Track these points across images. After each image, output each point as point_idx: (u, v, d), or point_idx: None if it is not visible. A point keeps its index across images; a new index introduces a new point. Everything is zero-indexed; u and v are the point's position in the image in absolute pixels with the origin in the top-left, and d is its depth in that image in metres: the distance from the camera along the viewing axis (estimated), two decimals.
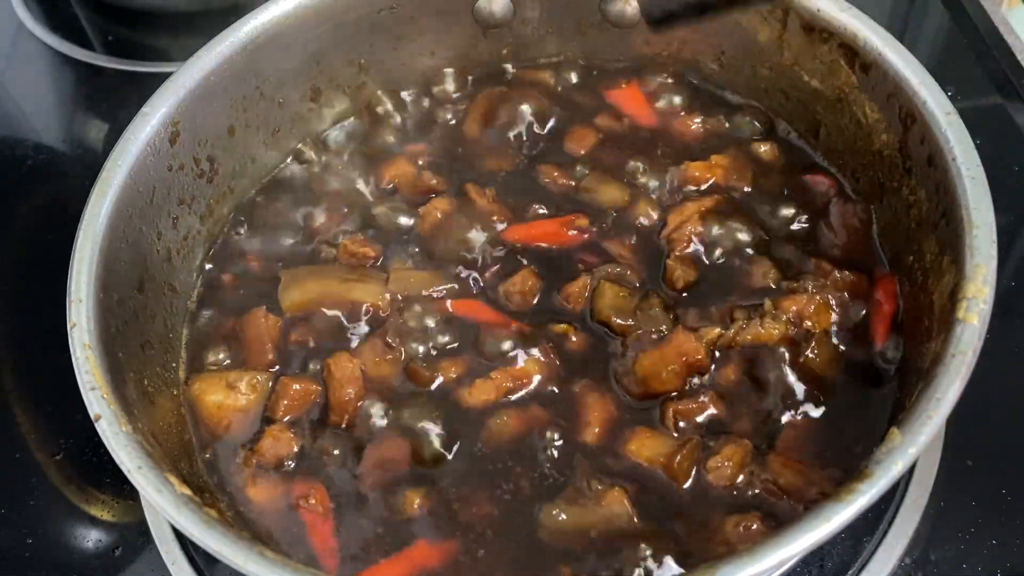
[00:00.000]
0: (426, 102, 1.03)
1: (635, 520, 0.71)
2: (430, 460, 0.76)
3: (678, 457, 0.73)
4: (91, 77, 1.28)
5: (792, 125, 0.96)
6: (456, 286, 0.86)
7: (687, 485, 0.73)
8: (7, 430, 0.95)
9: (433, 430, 0.77)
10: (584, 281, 0.84)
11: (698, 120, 0.97)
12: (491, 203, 0.91)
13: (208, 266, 0.92)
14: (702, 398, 0.77)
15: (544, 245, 0.88)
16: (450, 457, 0.76)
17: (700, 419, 0.76)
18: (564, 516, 0.71)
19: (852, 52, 0.84)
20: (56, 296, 0.72)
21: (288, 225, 0.94)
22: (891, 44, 0.81)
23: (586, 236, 0.88)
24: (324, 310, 0.85)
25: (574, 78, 1.03)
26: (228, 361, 0.85)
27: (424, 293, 0.85)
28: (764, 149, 0.94)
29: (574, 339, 0.81)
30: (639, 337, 0.80)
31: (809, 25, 0.87)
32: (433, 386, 0.80)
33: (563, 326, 0.82)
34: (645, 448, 0.74)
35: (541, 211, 0.91)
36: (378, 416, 0.79)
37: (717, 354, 0.79)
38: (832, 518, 0.57)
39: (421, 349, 0.82)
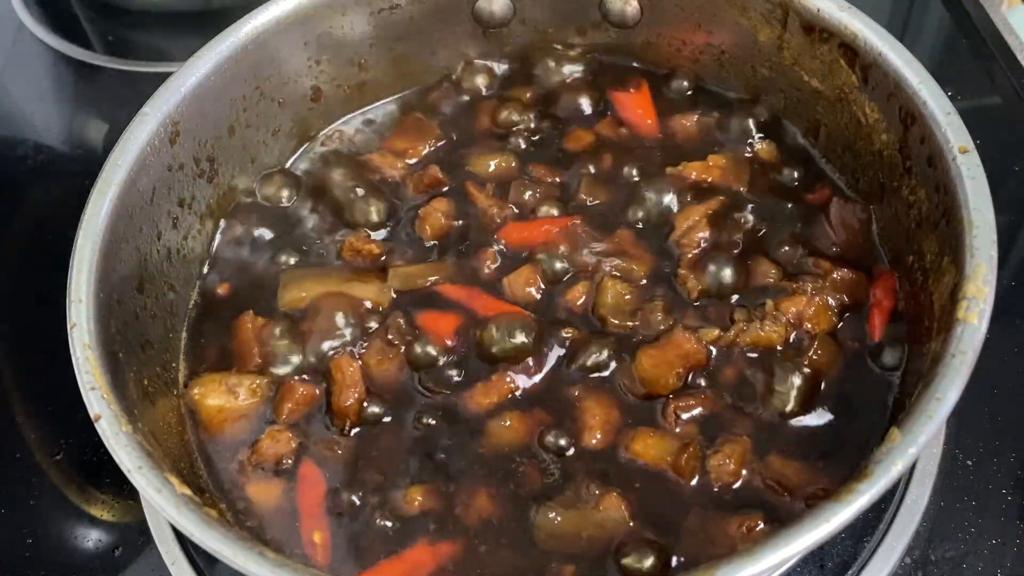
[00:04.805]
0: (426, 102, 1.03)
1: (631, 523, 0.71)
2: (431, 458, 0.76)
3: (685, 455, 0.73)
4: (91, 77, 1.28)
5: (792, 125, 0.96)
6: (458, 281, 0.86)
7: (691, 484, 0.73)
8: (7, 430, 0.95)
9: (435, 430, 0.78)
10: (586, 284, 0.84)
11: (696, 120, 0.97)
12: (490, 199, 0.91)
13: (208, 266, 0.92)
14: (703, 397, 0.77)
15: (543, 244, 0.88)
16: (451, 458, 0.76)
17: (701, 418, 0.76)
18: (560, 519, 0.71)
19: (852, 52, 0.84)
20: (56, 296, 0.72)
21: (289, 225, 0.93)
22: (891, 44, 0.81)
23: (585, 236, 0.88)
24: (325, 310, 0.85)
25: (573, 78, 1.03)
26: (226, 363, 0.84)
27: (425, 288, 0.85)
28: (761, 148, 0.94)
29: (576, 340, 0.81)
30: (638, 337, 0.80)
31: (809, 25, 0.87)
32: (445, 395, 0.80)
33: (565, 327, 0.82)
34: (650, 448, 0.74)
35: (540, 211, 0.90)
36: (379, 417, 0.79)
37: (714, 351, 0.79)
38: (832, 518, 0.57)
39: (426, 348, 0.81)
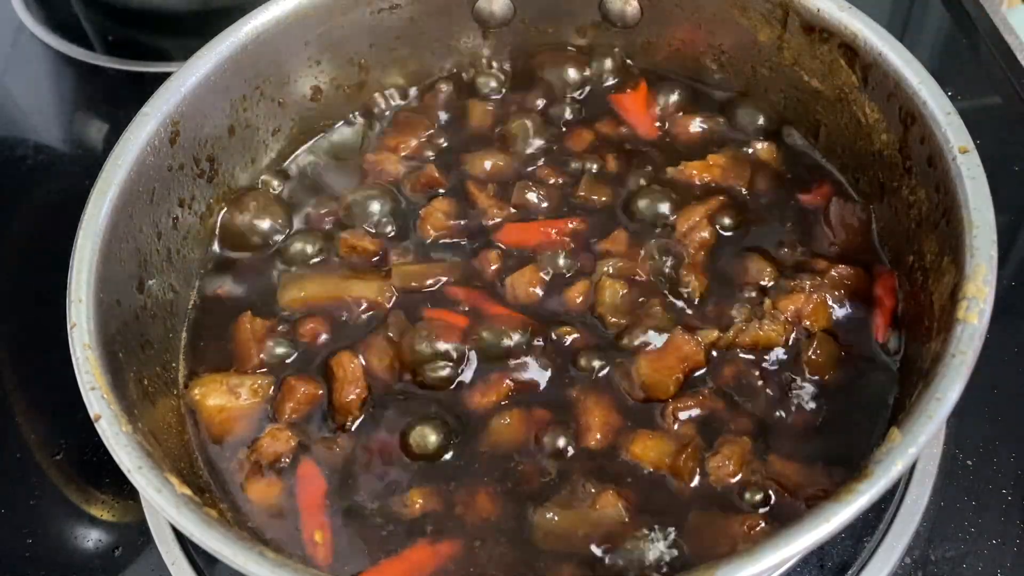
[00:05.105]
0: (426, 102, 1.03)
1: (627, 521, 0.71)
2: (430, 456, 0.76)
3: (683, 456, 0.73)
4: (91, 77, 1.28)
5: (792, 125, 0.96)
6: (459, 281, 0.86)
7: (691, 485, 0.73)
8: (7, 430, 0.95)
9: (435, 429, 0.78)
10: (585, 284, 0.84)
11: (697, 120, 0.97)
12: (490, 199, 0.91)
13: (208, 266, 0.92)
14: (701, 398, 0.77)
15: (543, 244, 0.88)
16: (450, 455, 0.76)
17: (700, 419, 0.76)
18: (557, 518, 0.71)
19: (852, 52, 0.84)
20: (56, 296, 0.72)
21: (288, 225, 0.93)
22: (891, 44, 0.81)
23: (584, 235, 0.88)
24: (325, 309, 0.85)
25: (573, 77, 1.03)
26: (226, 363, 0.84)
27: (427, 287, 0.86)
28: (762, 148, 0.94)
29: (576, 341, 0.81)
30: (637, 338, 0.80)
31: (809, 25, 0.87)
32: (446, 390, 0.80)
33: (565, 328, 0.82)
34: (649, 450, 0.74)
35: (539, 209, 0.91)
36: (380, 415, 0.79)
37: (715, 354, 0.79)
38: (832, 518, 0.57)
39: (427, 346, 0.81)
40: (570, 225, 0.89)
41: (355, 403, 0.79)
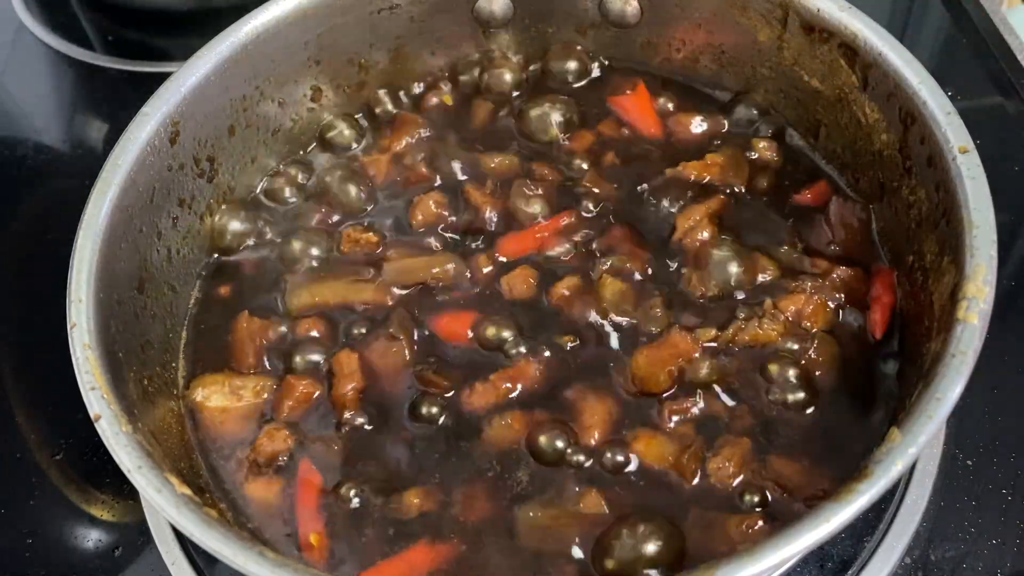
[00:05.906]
0: (425, 101, 1.03)
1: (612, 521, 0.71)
2: (430, 457, 0.76)
3: (686, 456, 0.73)
4: (91, 77, 1.28)
5: (792, 125, 0.96)
6: (456, 278, 0.86)
7: (691, 484, 0.73)
8: (7, 430, 0.95)
9: (435, 428, 0.78)
10: (586, 282, 0.84)
11: (697, 120, 0.97)
12: (485, 197, 0.91)
13: (207, 266, 0.92)
14: (700, 397, 0.77)
15: (542, 246, 0.88)
16: (450, 457, 0.76)
17: (699, 419, 0.76)
18: (539, 515, 0.71)
19: (852, 52, 0.84)
20: (56, 296, 0.72)
21: (289, 223, 0.94)
22: (891, 44, 0.81)
23: (585, 234, 0.88)
24: (327, 310, 0.85)
25: (573, 77, 1.03)
26: (225, 363, 0.84)
27: (423, 283, 0.86)
28: (761, 147, 0.93)
29: (574, 340, 0.81)
30: (635, 335, 0.80)
31: (809, 25, 0.87)
32: (448, 393, 0.80)
33: (568, 337, 0.81)
34: (652, 447, 0.74)
35: (537, 208, 0.91)
36: (379, 413, 0.79)
37: (715, 346, 0.79)
38: (832, 518, 0.57)
39: (424, 345, 0.81)
40: (565, 223, 0.88)
41: (351, 396, 0.79)
